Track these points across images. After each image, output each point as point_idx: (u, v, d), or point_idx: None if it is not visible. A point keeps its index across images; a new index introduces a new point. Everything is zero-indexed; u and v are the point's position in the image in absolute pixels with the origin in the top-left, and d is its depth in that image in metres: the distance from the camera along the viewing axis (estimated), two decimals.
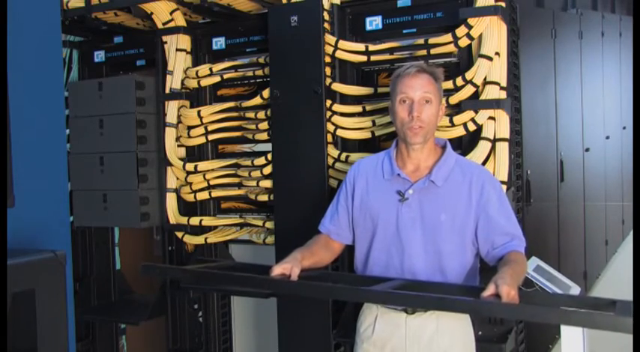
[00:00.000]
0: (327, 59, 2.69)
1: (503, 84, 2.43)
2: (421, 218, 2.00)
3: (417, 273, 2.00)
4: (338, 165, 2.67)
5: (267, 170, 2.85)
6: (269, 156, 2.84)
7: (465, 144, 2.51)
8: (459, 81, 2.46)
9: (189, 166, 3.03)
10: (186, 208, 3.15)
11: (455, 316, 2.03)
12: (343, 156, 2.65)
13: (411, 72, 2.01)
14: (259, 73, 2.95)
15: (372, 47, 2.66)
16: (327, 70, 2.69)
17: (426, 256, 2.00)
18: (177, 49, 3.04)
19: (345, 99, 2.74)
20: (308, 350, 2.71)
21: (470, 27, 2.42)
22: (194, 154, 3.14)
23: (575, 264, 3.97)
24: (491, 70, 2.42)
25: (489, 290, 1.69)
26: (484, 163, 2.41)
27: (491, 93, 2.41)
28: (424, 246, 2.00)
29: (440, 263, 2.00)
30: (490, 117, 2.44)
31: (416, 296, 1.78)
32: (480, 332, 2.34)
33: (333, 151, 2.69)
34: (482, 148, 2.43)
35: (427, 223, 2.00)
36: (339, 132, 2.70)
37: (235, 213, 3.15)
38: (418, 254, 2.00)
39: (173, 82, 3.06)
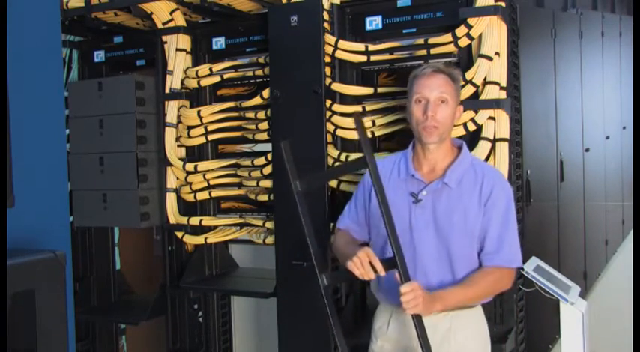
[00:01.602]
0: (327, 59, 2.69)
1: (503, 84, 2.43)
2: (434, 220, 2.00)
3: (429, 274, 2.00)
4: (338, 165, 2.67)
5: (267, 170, 2.85)
6: (269, 156, 2.84)
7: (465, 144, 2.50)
8: None
9: (189, 166, 3.03)
10: (186, 208, 3.15)
11: (469, 314, 2.04)
12: (343, 156, 2.65)
13: (427, 72, 2.02)
14: (259, 73, 2.95)
15: (372, 47, 2.65)
16: (327, 70, 2.69)
17: (439, 257, 2.00)
18: (177, 49, 3.04)
19: (345, 99, 2.74)
20: (308, 350, 2.71)
21: (470, 27, 2.42)
22: (194, 154, 3.14)
23: (575, 263, 3.97)
24: (491, 70, 2.42)
25: (404, 288, 1.74)
26: None
27: (491, 93, 2.41)
28: (437, 248, 2.00)
29: (450, 264, 2.00)
30: (490, 117, 2.44)
31: None
32: None
33: (333, 151, 2.69)
34: (482, 148, 2.42)
35: (440, 225, 2.00)
36: (339, 132, 2.70)
37: (235, 213, 3.15)
38: (430, 254, 2.00)
39: (173, 82, 3.05)
